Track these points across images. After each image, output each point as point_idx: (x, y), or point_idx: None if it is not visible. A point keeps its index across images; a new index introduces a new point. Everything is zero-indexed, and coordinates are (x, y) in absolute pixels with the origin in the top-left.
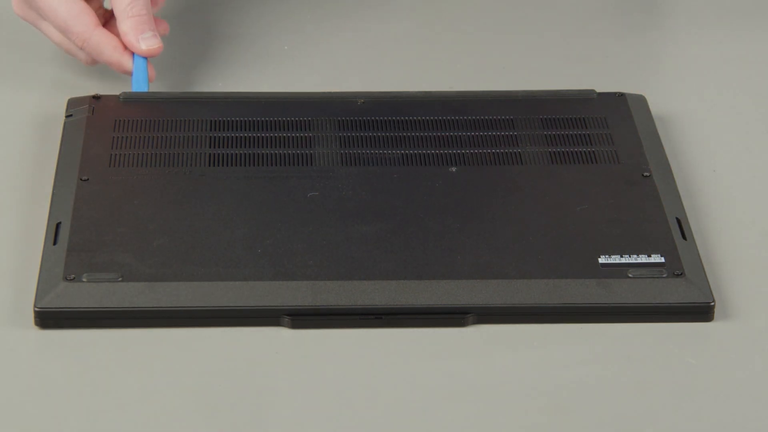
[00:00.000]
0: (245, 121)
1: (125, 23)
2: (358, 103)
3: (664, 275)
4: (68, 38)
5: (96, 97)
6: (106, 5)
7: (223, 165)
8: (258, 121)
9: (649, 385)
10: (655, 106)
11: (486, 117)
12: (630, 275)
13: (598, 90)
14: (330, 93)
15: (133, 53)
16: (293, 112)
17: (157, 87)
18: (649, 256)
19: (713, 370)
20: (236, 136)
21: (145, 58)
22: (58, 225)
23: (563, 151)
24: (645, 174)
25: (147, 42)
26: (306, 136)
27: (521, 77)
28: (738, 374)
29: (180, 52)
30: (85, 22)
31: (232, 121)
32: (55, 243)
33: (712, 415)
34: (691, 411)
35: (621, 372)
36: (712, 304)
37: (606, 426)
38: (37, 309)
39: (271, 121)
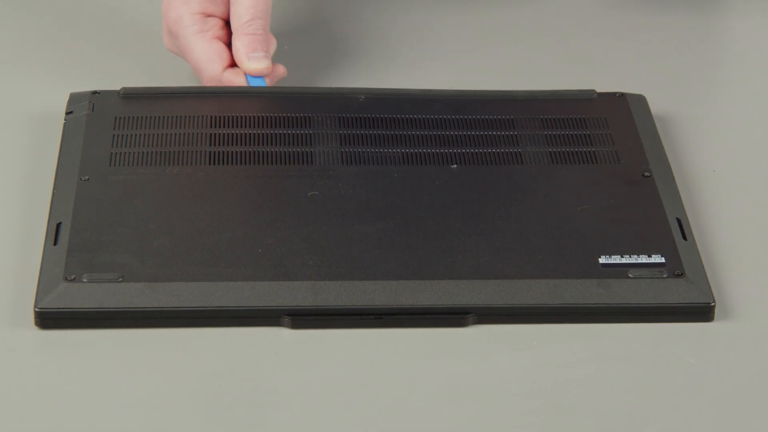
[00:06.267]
0: (245, 117)
1: (239, 40)
2: (359, 99)
3: (665, 275)
4: (199, 77)
5: (96, 93)
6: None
7: (223, 163)
8: (258, 117)
9: (649, 385)
10: (655, 106)
11: (486, 116)
12: (630, 275)
13: (598, 90)
14: (330, 89)
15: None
16: (294, 108)
17: (158, 83)
18: (650, 256)
19: (713, 370)
20: (236, 133)
21: (260, 78)
22: (58, 225)
23: (563, 151)
24: (645, 174)
25: (256, 62)
26: (306, 134)
27: (521, 77)
28: (738, 374)
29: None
30: (215, 67)
31: (233, 117)
32: (55, 243)
33: (712, 415)
34: (691, 411)
35: (621, 372)
36: (713, 304)
37: (606, 426)
38: (37, 309)
39: (271, 117)
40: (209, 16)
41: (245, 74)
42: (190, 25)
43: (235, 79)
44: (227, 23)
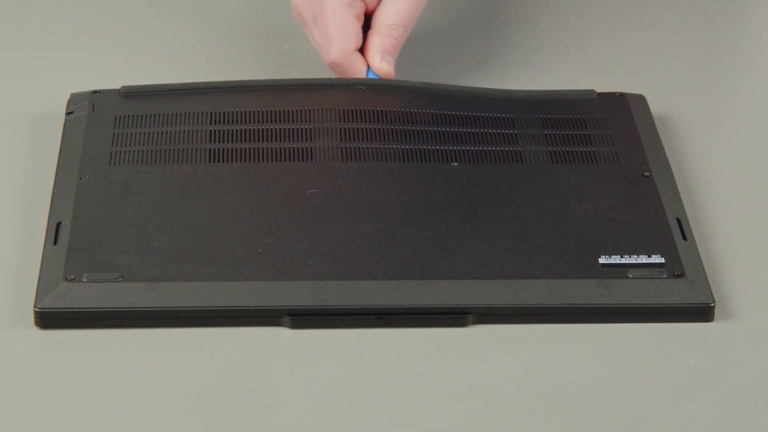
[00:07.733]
0: (245, 112)
1: (377, 37)
2: (359, 90)
3: (664, 276)
4: (324, 49)
5: (96, 93)
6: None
7: (223, 161)
8: (258, 111)
9: (649, 385)
10: (655, 106)
11: (487, 115)
12: (630, 275)
13: (598, 90)
14: (331, 79)
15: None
16: (293, 100)
17: (158, 80)
18: (649, 256)
19: (713, 370)
20: (236, 129)
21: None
22: (58, 225)
23: (563, 151)
24: (645, 174)
25: (387, 64)
26: (306, 128)
27: (521, 77)
28: (738, 374)
29: (181, 50)
30: (348, 42)
31: (232, 112)
32: (55, 243)
33: (712, 415)
34: (691, 411)
35: (621, 372)
36: (713, 304)
37: (606, 426)
38: (37, 309)
39: (271, 111)
40: None
41: (369, 68)
42: None
43: (359, 63)
44: (366, 16)
